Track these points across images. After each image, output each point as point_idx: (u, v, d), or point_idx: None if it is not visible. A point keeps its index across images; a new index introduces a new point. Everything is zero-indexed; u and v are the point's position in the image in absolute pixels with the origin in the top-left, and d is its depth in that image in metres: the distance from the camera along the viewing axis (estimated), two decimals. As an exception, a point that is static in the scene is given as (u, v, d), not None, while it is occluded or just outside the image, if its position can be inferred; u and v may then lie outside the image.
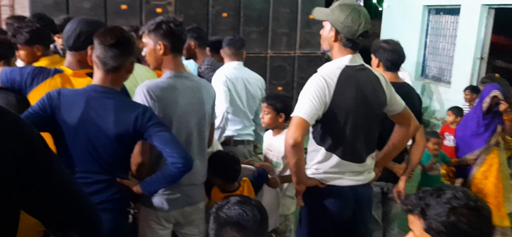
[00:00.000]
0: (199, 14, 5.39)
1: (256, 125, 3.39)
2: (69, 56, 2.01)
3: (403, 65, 2.81)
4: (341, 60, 2.04)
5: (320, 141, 2.07)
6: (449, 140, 4.36)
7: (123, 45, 1.76)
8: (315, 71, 2.09)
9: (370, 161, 2.16)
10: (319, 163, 2.08)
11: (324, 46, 2.12)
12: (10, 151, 0.94)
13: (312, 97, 1.96)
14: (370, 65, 2.60)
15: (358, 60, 2.07)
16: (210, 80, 3.26)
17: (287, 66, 6.10)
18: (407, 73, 5.94)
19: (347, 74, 2.01)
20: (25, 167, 0.97)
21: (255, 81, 3.39)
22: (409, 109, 2.25)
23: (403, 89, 2.58)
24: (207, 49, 3.71)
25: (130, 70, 1.83)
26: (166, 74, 2.03)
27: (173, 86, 1.99)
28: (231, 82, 3.23)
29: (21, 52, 2.40)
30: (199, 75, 3.41)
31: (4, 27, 4.38)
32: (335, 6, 2.06)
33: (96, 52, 1.75)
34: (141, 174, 1.94)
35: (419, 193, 1.30)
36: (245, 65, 3.46)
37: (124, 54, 1.77)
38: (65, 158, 1.73)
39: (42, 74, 1.93)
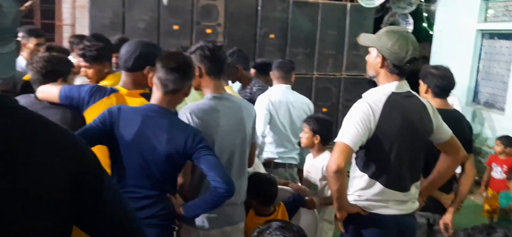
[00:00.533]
0: (247, 35, 5.50)
1: (303, 149, 3.40)
2: (124, 76, 2.12)
3: (453, 90, 2.74)
4: (387, 87, 2.03)
5: (363, 168, 2.06)
6: (496, 172, 4.13)
7: (183, 70, 1.86)
8: (361, 94, 2.10)
9: (414, 190, 2.12)
10: (362, 190, 2.06)
11: (370, 72, 2.12)
12: (66, 169, 0.99)
13: (357, 123, 1.95)
14: (418, 90, 2.57)
15: (405, 87, 2.05)
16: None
17: (333, 88, 6.07)
18: (456, 98, 5.74)
19: (393, 101, 2.00)
20: (79, 184, 1.01)
21: (301, 105, 3.40)
22: (458, 137, 2.19)
23: (453, 116, 2.52)
24: (252, 70, 3.79)
25: (186, 94, 1.92)
26: (207, 96, 2.10)
27: (214, 108, 2.06)
28: (273, 106, 3.27)
29: (89, 70, 2.47)
30: (250, 96, 3.48)
31: (66, 45, 4.68)
32: (382, 32, 2.06)
33: (158, 73, 1.85)
34: (182, 195, 2.01)
35: (469, 230, 1.26)
36: (291, 86, 3.49)
37: (184, 78, 1.86)
38: (118, 171, 1.83)
39: (99, 93, 2.04)
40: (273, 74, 3.43)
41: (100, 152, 1.74)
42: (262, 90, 3.45)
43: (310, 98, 3.75)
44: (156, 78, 1.85)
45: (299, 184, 3.10)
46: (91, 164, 1.07)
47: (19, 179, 0.93)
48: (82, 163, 1.04)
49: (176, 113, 2.03)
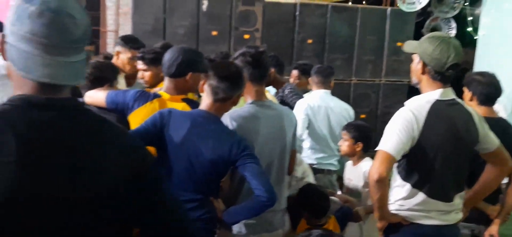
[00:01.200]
0: (285, 41, 5.49)
1: (343, 157, 3.38)
2: (167, 82, 2.18)
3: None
4: (431, 94, 1.98)
5: (405, 177, 2.02)
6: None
7: (235, 79, 1.90)
8: (401, 100, 2.06)
9: (458, 200, 2.06)
10: (404, 199, 2.02)
11: (413, 79, 2.09)
12: (129, 168, 1.05)
13: (399, 131, 1.92)
14: (462, 97, 2.50)
15: (450, 94, 2.00)
16: (293, 104, 3.33)
17: (372, 94, 5.97)
18: (502, 106, 5.50)
19: (437, 108, 1.95)
20: (140, 184, 1.06)
21: (340, 110, 3.40)
22: (505, 147, 2.11)
23: (499, 125, 2.43)
24: (295, 71, 3.81)
25: (235, 103, 1.96)
26: (248, 102, 2.12)
27: (255, 115, 2.07)
28: (312, 111, 3.27)
29: (146, 73, 2.59)
30: (282, 99, 3.50)
31: (110, 50, 4.85)
32: (425, 38, 2.03)
33: (209, 81, 1.90)
34: (221, 199, 2.02)
35: None
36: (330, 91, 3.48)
37: (235, 87, 1.91)
38: (165, 173, 1.87)
39: (143, 97, 2.11)
40: (312, 79, 3.43)
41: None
42: (294, 92, 3.46)
43: (348, 104, 3.74)
44: (208, 85, 1.90)
45: (339, 191, 3.07)
46: (150, 165, 1.12)
47: (89, 177, 0.99)
48: (143, 163, 1.09)
49: None
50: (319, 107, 3.32)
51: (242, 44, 5.25)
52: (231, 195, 2.07)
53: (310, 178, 2.73)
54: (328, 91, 3.44)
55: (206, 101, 1.92)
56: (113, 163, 1.03)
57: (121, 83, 2.44)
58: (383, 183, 1.90)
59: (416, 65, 2.03)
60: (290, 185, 2.44)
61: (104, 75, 2.28)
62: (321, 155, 3.36)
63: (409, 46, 2.12)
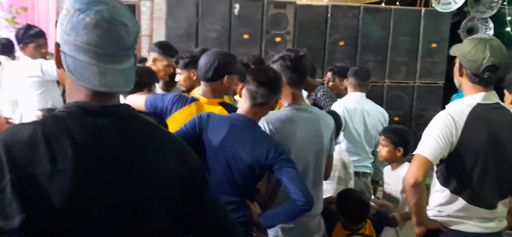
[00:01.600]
0: (316, 43, 5.46)
1: (376, 158, 3.34)
2: (204, 86, 2.22)
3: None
4: (472, 98, 1.93)
5: (444, 182, 1.97)
6: None
7: (273, 85, 1.92)
8: (436, 102, 2.03)
9: (502, 208, 2.00)
10: (442, 205, 1.98)
11: (456, 82, 2.06)
12: (179, 173, 1.07)
13: (437, 135, 1.88)
14: (503, 100, 2.43)
15: (493, 98, 1.94)
16: (326, 106, 3.33)
17: (405, 96, 5.84)
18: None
19: (478, 112, 1.90)
20: (188, 188, 1.08)
21: (376, 114, 3.38)
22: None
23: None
24: (329, 73, 3.81)
25: (272, 108, 1.98)
26: (284, 106, 2.12)
27: (292, 119, 2.07)
28: (348, 113, 3.25)
29: (180, 76, 2.70)
30: (315, 102, 3.50)
31: (144, 55, 4.96)
32: (467, 39, 1.99)
33: (248, 85, 1.92)
34: (257, 202, 2.03)
35: None
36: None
37: (273, 92, 1.92)
38: None
39: (181, 101, 2.15)
40: (349, 81, 3.44)
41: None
42: (327, 95, 3.45)
43: (381, 106, 3.70)
44: (246, 90, 1.92)
45: (373, 195, 3.04)
46: (197, 168, 1.14)
47: (143, 183, 1.02)
48: (191, 167, 1.11)
49: None
50: (355, 110, 3.32)
51: (273, 47, 5.27)
52: (267, 198, 2.08)
53: (351, 184, 2.73)
54: (364, 94, 3.44)
55: (244, 105, 1.94)
56: (165, 168, 1.05)
57: (158, 87, 2.51)
58: (419, 187, 1.87)
59: (456, 67, 2.00)
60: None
61: (143, 79, 2.34)
62: (356, 157, 3.33)
63: (453, 48, 2.08)
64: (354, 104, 3.33)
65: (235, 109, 2.11)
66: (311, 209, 1.81)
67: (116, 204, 0.98)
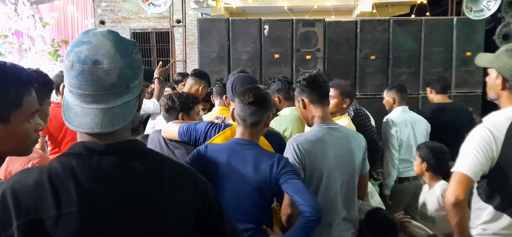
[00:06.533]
0: (347, 59, 5.46)
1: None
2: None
3: None
4: (511, 110, 1.89)
5: (486, 199, 1.92)
6: None
7: (260, 103, 1.93)
8: (475, 111, 1.98)
9: (550, 224, 1.92)
10: (486, 223, 1.92)
11: (491, 95, 2.00)
12: (191, 205, 1.08)
13: (476, 151, 1.84)
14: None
15: None
16: (361, 125, 3.32)
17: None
18: None
19: (518, 126, 1.85)
20: (202, 219, 1.09)
21: (422, 124, 3.63)
22: None
23: None
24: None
25: (267, 124, 2.00)
26: (315, 126, 2.12)
27: (322, 139, 2.05)
28: (398, 126, 3.53)
29: (216, 102, 2.90)
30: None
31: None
32: (503, 50, 1.93)
33: (236, 109, 1.95)
34: (291, 226, 2.03)
35: None
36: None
37: (261, 110, 1.93)
38: None
39: (213, 129, 2.19)
40: (394, 97, 3.71)
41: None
42: (358, 113, 3.46)
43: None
44: (236, 114, 1.95)
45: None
46: (212, 199, 1.15)
47: (153, 219, 1.02)
48: (206, 199, 1.12)
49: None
50: (404, 121, 3.56)
51: (304, 65, 5.31)
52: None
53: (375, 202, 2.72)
54: (406, 107, 3.70)
55: (239, 129, 1.96)
56: (177, 202, 1.05)
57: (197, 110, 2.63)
58: (461, 206, 1.81)
59: (494, 80, 1.94)
60: None
61: (175, 106, 2.44)
62: (405, 164, 3.55)
63: (482, 59, 2.03)
64: (402, 116, 3.59)
65: (271, 133, 2.13)
66: (320, 218, 1.74)
67: None
